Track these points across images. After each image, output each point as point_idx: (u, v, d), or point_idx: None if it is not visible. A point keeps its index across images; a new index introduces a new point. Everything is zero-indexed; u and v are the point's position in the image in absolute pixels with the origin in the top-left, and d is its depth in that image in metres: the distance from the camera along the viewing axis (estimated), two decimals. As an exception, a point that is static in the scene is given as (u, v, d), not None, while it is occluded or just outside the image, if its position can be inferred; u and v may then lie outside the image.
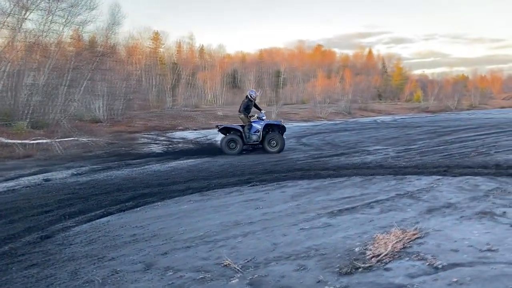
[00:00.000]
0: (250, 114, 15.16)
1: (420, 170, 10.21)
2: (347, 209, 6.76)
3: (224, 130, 15.42)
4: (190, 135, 21.96)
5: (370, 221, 6.04)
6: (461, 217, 6.16)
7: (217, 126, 15.88)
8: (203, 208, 7.17)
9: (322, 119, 36.05)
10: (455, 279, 4.01)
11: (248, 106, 15.14)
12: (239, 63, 66.51)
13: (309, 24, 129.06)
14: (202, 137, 20.89)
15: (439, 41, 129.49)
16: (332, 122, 33.56)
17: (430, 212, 6.47)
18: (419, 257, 4.61)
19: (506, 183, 8.54)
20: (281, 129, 15.13)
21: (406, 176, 9.47)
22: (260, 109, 15.83)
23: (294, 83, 62.97)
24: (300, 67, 68.15)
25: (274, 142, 14.78)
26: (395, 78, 75.10)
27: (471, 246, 4.91)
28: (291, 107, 44.68)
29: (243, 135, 15.02)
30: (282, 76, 63.66)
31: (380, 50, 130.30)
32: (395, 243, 4.95)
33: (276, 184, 8.97)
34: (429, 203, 7.03)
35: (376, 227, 5.67)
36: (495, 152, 13.22)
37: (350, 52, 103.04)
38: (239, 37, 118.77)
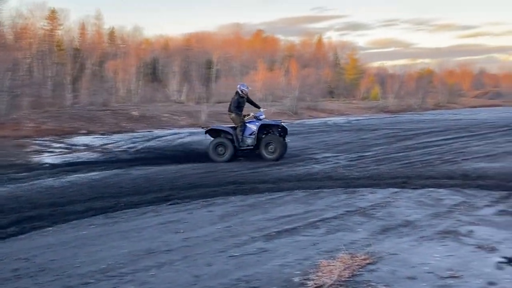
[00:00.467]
0: (244, 113, 15.13)
1: (376, 181, 10.50)
2: (287, 230, 6.84)
3: (213, 132, 15.43)
4: (96, 141, 21.48)
5: (314, 244, 6.14)
6: (421, 237, 6.38)
7: (203, 128, 16.11)
8: (108, 233, 7.01)
9: (263, 121, 36.41)
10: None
11: (239, 103, 15.01)
12: (160, 50, 65.97)
13: (247, 5, 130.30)
14: (112, 143, 20.50)
15: (401, 28, 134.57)
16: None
17: (385, 232, 6.66)
18: (370, 287, 4.72)
19: (474, 196, 8.95)
20: (281, 130, 15.05)
21: (358, 189, 9.71)
22: (258, 107, 15.81)
23: (230, 76, 63.15)
24: (237, 57, 68.51)
25: (273, 146, 14.63)
26: (350, 72, 76.99)
27: (431, 272, 5.09)
28: (226, 105, 44.79)
29: (234, 138, 14.91)
30: (214, 67, 63.73)
31: (332, 37, 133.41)
32: (342, 270, 5.05)
33: (203, 201, 8.94)
34: (384, 221, 7.23)
35: (320, 252, 5.76)
36: (463, 159, 13.84)
37: (296, 40, 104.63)
38: (160, 18, 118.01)
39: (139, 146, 19.30)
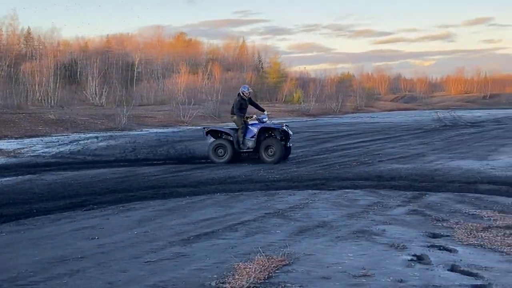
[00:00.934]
0: (247, 115, 15.06)
1: (295, 183, 10.68)
2: (206, 234, 6.81)
3: (214, 133, 15.35)
4: (9, 145, 20.65)
5: (232, 247, 6.14)
6: (336, 237, 6.52)
7: (204, 129, 15.91)
8: (19, 241, 6.74)
9: (186, 124, 36.13)
10: (323, 312, 4.20)
11: (241, 105, 14.88)
12: (79, 52, 64.27)
13: (169, 7, 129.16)
14: (26, 147, 19.77)
15: (322, 34, 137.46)
16: (198, 127, 33.79)
17: (302, 233, 6.76)
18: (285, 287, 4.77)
19: (388, 196, 9.26)
20: (283, 134, 14.83)
21: (278, 191, 9.84)
22: (261, 109, 15.74)
23: (152, 78, 62.41)
24: (158, 59, 67.81)
25: (272, 150, 14.45)
26: (272, 75, 77.76)
27: (345, 271, 5.20)
28: (148, 108, 44.25)
29: (235, 140, 14.70)
30: (136, 69, 62.77)
31: (255, 41, 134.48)
32: (259, 272, 5.07)
33: (120, 206, 8.75)
34: (302, 222, 7.35)
35: (238, 255, 5.77)
36: (379, 161, 14.29)
37: (219, 43, 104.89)
38: (79, 19, 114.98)
39: (55, 150, 18.70)
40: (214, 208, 8.47)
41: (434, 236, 6.59)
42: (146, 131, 29.90)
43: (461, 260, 5.53)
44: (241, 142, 14.68)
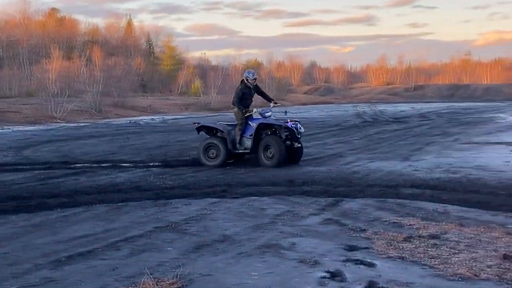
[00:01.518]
0: (251, 109, 14.52)
1: (191, 191, 10.67)
2: (81, 254, 6.66)
3: (207, 130, 14.98)
4: None
5: (113, 269, 6.04)
6: (239, 254, 6.57)
7: (194, 124, 15.51)
8: None
9: (59, 121, 35.22)
10: None
11: (243, 94, 14.34)
12: None
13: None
14: None
15: (225, 13, 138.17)
16: (73, 124, 33.05)
17: (199, 249, 6.76)
18: (176, 316, 4.76)
19: (300, 204, 9.44)
20: (288, 132, 14.17)
21: (171, 201, 9.78)
22: (270, 100, 15.23)
23: (15, 65, 60.27)
24: (24, 41, 65.58)
25: (271, 150, 13.92)
26: (166, 62, 77.25)
27: (248, 293, 5.25)
28: (10, 102, 42.62)
29: (229, 138, 14.23)
30: (-5, 53, 60.46)
31: (145, 21, 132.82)
32: (145, 299, 5.02)
33: (-26, 222, 8.41)
34: (199, 237, 7.35)
35: (120, 278, 5.68)
36: (289, 163, 14.52)
37: (101, 22, 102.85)
38: None
39: None
40: (92, 223, 8.30)
41: (351, 248, 6.78)
42: (8, 129, 28.83)
43: (379, 275, 5.73)
44: (237, 141, 14.29)
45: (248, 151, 14.32)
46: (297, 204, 9.45)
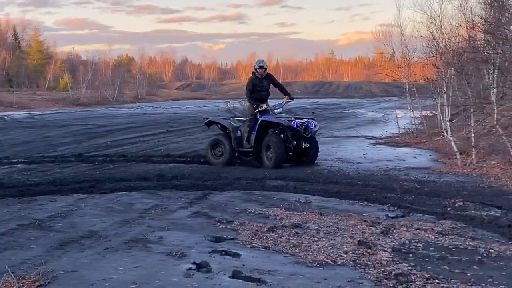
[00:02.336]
0: (262, 104, 13.20)
1: (58, 187, 10.33)
2: None
3: (219, 125, 14.18)
4: None
5: (-27, 269, 5.77)
6: (105, 249, 6.44)
7: (205, 118, 14.55)
8: None
9: None
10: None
11: (254, 86, 13.21)
12: None
13: None
14: None
15: (96, 8, 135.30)
16: None
17: (64, 246, 6.56)
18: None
19: (169, 198, 9.40)
20: (293, 131, 12.90)
21: (36, 198, 9.43)
22: (286, 93, 13.83)
23: None
24: None
25: (272, 150, 12.79)
26: (33, 57, 74.74)
27: (113, 288, 5.17)
28: None
29: (233, 135, 13.30)
30: None
31: (12, 14, 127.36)
32: (6, 297, 4.84)
33: None
34: (64, 233, 7.13)
35: (-20, 278, 5.44)
36: (160, 158, 14.44)
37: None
38: None
39: None
40: None
41: (217, 240, 6.83)
42: None
43: (243, 265, 5.81)
44: (245, 139, 13.22)
45: (251, 149, 13.27)
46: (166, 198, 9.41)
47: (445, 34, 16.06)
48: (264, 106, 12.92)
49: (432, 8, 16.94)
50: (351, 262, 5.91)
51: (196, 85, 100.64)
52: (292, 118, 12.90)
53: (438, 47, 15.96)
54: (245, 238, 6.84)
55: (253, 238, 6.86)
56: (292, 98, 14.00)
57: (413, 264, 5.88)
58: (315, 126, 13.03)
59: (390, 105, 31.29)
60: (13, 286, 5.11)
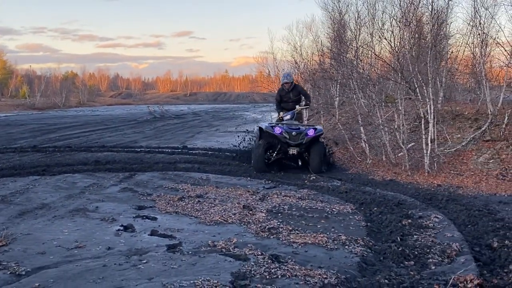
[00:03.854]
0: (282, 112, 10.68)
1: (17, 171, 9.77)
2: None
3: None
4: None
5: None
6: (54, 217, 6.17)
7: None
8: None
9: None
10: (37, 284, 3.94)
11: (281, 97, 10.75)
12: None
13: None
14: None
15: (49, 36, 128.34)
16: None
17: (22, 215, 6.24)
18: (1, 266, 4.35)
19: (103, 178, 9.10)
20: (277, 138, 9.91)
21: (0, 179, 8.88)
22: (307, 102, 11.04)
23: None
24: None
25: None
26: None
27: (59, 246, 4.95)
28: None
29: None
30: None
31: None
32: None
33: None
34: (22, 206, 6.77)
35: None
36: (96, 148, 13.95)
37: None
38: None
39: None
40: None
41: (140, 208, 6.70)
42: None
43: (159, 225, 5.74)
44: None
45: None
46: (101, 178, 9.10)
47: (303, 59, 16.50)
48: (281, 115, 10.45)
49: (295, 41, 17.35)
50: (237, 221, 5.96)
51: (125, 94, 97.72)
52: (277, 126, 9.97)
53: (299, 68, 16.36)
54: (162, 206, 6.75)
55: (167, 206, 6.77)
56: (307, 106, 11.23)
57: (281, 220, 6.02)
58: (315, 133, 9.84)
59: (267, 109, 31.62)
60: (-21, 247, 4.79)
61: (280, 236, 5.35)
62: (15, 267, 4.32)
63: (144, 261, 4.47)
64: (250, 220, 5.99)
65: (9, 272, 4.22)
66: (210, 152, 13.20)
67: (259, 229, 5.61)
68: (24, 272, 4.24)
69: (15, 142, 15.83)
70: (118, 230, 5.56)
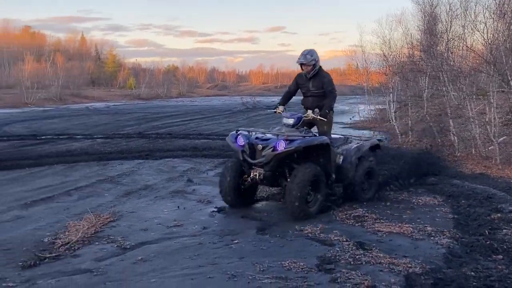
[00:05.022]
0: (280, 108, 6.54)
1: (124, 155, 10.35)
2: (43, 199, 6.37)
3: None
4: None
5: (66, 209, 5.83)
6: (155, 197, 6.49)
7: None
8: None
9: (31, 106, 33.13)
10: (140, 257, 4.17)
11: (296, 87, 6.68)
12: None
13: (20, 1, 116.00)
14: None
15: (153, 32, 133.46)
16: (41, 108, 31.17)
17: (127, 195, 6.62)
18: (109, 240, 4.65)
19: (200, 163, 9.41)
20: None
21: (109, 162, 9.47)
22: (324, 110, 6.19)
23: (-1, 66, 56.27)
24: (5, 49, 61.12)
25: None
26: (109, 65, 74.36)
27: (160, 224, 5.21)
28: (-6, 92, 39.64)
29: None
30: (-19, 57, 56.07)
31: (96, 36, 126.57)
32: (87, 228, 4.88)
33: (-37, 178, 7.82)
34: (128, 186, 7.19)
35: (70, 215, 5.49)
36: (195, 135, 14.42)
37: (62, 36, 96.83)
38: None
39: None
40: (52, 177, 7.94)
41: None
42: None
43: (250, 209, 5.84)
44: None
45: None
46: (198, 163, 9.41)
47: (392, 52, 15.93)
48: (280, 108, 6.46)
49: (384, 34, 16.78)
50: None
51: (221, 86, 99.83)
52: (242, 134, 6.15)
53: (388, 61, 15.83)
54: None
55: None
56: (323, 119, 6.04)
57: (366, 209, 5.89)
58: (288, 146, 5.51)
59: (355, 101, 30.96)
60: (92, 221, 5.16)
61: (365, 224, 5.25)
62: (121, 241, 4.61)
63: (236, 241, 4.58)
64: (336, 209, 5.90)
65: (115, 245, 4.51)
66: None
67: (344, 216, 5.54)
68: (129, 246, 4.51)
69: (123, 129, 16.73)
70: (213, 211, 5.73)
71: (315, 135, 6.00)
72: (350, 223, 5.30)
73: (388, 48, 16.01)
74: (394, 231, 5.00)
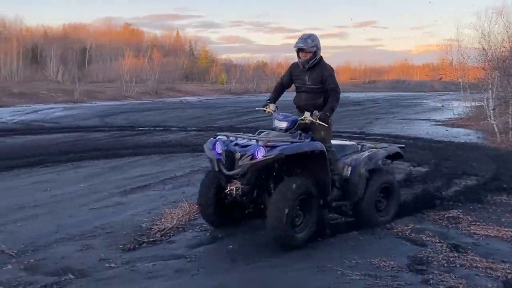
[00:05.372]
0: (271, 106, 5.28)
1: (215, 147, 10.58)
2: (140, 187, 6.72)
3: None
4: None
5: (161, 197, 6.10)
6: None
7: None
8: (-20, 193, 6.39)
9: (129, 99, 35.09)
10: (231, 246, 4.28)
11: (290, 78, 5.28)
12: (40, 37, 60.73)
13: (118, 2, 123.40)
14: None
15: (244, 28, 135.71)
16: (139, 101, 32.92)
17: (219, 185, 6.77)
18: (202, 228, 4.80)
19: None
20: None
21: (202, 153, 9.64)
22: (329, 106, 4.87)
23: (101, 61, 60.06)
24: (107, 45, 65.21)
25: None
26: (202, 61, 76.73)
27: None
28: (98, 85, 42.46)
29: None
30: (87, 53, 60.15)
31: (190, 33, 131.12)
32: (181, 216, 5.08)
33: (70, 164, 8.46)
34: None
35: (166, 203, 5.74)
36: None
37: (159, 33, 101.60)
38: (40, 9, 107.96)
39: (17, 118, 17.76)
40: (149, 167, 8.35)
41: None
42: (95, 104, 28.82)
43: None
44: None
45: None
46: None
47: (492, 46, 14.94)
48: (271, 107, 5.16)
49: (483, 27, 15.76)
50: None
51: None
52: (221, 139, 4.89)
53: (487, 55, 14.88)
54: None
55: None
56: (321, 123, 4.60)
57: (461, 210, 5.59)
58: (265, 154, 4.27)
59: (448, 97, 29.46)
60: (187, 209, 5.35)
61: (460, 226, 4.98)
62: (212, 230, 4.73)
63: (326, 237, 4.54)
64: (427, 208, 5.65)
65: (208, 234, 4.66)
66: (386, 139, 12.74)
67: (437, 217, 5.29)
68: (220, 235, 4.62)
69: (215, 122, 17.21)
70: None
71: (313, 140, 4.64)
72: (444, 224, 5.05)
73: (487, 42, 15.06)
74: (492, 234, 4.70)
